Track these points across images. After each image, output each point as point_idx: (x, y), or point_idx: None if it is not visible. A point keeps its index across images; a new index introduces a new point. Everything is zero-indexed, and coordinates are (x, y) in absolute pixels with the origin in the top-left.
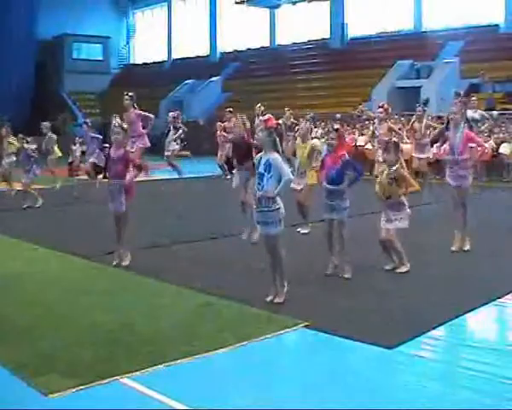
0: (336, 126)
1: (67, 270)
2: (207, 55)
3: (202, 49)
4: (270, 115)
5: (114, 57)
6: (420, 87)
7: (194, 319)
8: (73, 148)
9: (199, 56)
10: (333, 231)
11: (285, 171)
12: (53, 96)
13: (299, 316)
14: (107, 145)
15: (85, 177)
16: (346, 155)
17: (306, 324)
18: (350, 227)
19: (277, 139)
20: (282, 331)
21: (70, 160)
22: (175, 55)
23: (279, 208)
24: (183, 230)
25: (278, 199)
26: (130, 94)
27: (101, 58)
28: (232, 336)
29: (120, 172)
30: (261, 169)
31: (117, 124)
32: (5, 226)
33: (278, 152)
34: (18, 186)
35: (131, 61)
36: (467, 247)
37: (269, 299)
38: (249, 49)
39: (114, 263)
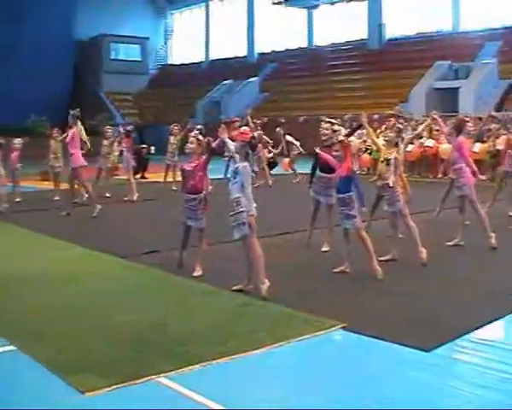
0: (341, 138)
1: (103, 269)
2: (245, 56)
3: (240, 50)
4: (246, 129)
5: (152, 58)
6: (458, 88)
7: (230, 320)
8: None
9: (236, 57)
10: (349, 238)
11: (247, 181)
12: (91, 96)
13: (336, 317)
14: (144, 146)
15: (125, 177)
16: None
17: (343, 325)
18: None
19: (249, 151)
20: (319, 333)
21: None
22: (212, 56)
23: (242, 211)
24: (225, 229)
25: (243, 202)
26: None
27: (138, 59)
28: (269, 337)
29: (197, 184)
30: (230, 175)
31: (193, 134)
32: (42, 225)
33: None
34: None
35: (169, 62)
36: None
37: (236, 288)
38: (287, 49)
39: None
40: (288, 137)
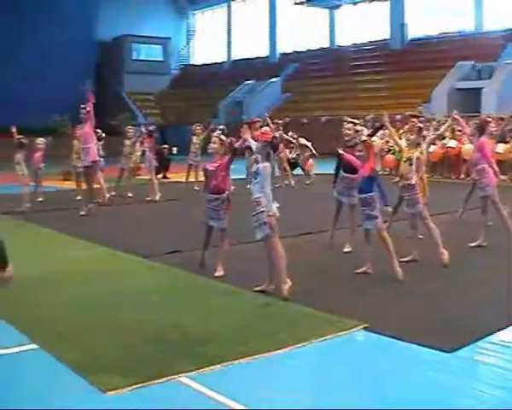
0: (363, 138)
1: (125, 269)
2: (267, 56)
3: (262, 50)
4: (267, 129)
5: (174, 58)
6: (481, 89)
7: (251, 320)
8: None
9: (258, 57)
10: (370, 238)
11: (267, 182)
12: (113, 96)
13: (357, 318)
14: (166, 146)
15: (147, 177)
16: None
17: (365, 325)
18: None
19: (271, 152)
20: (340, 333)
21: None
22: (234, 56)
23: (263, 211)
24: (247, 229)
25: (263, 202)
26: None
27: (160, 59)
28: (290, 337)
29: (220, 184)
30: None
31: (216, 134)
32: (64, 225)
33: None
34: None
35: (191, 62)
36: None
37: (257, 288)
38: (309, 49)
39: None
40: (301, 140)
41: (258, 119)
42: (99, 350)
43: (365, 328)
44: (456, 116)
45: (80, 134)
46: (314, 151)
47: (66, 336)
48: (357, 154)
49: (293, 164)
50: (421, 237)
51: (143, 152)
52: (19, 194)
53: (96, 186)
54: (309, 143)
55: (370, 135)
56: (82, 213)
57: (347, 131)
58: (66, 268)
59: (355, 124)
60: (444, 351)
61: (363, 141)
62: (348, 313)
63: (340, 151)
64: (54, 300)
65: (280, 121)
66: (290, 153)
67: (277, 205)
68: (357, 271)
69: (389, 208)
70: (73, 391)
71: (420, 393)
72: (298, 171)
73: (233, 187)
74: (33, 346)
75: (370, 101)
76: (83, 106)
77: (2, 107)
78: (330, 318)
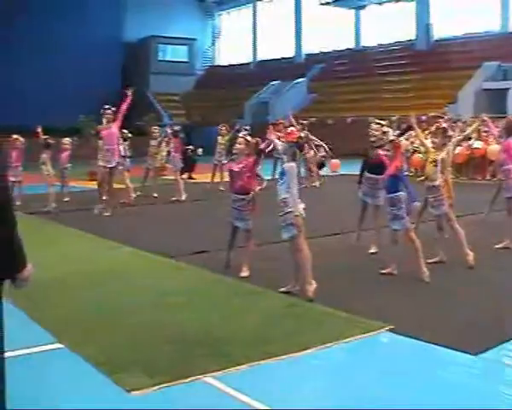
0: (392, 137)
1: (150, 269)
2: (293, 57)
3: (287, 51)
4: (293, 129)
5: (199, 59)
6: (507, 89)
7: (277, 320)
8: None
9: (284, 58)
10: (397, 239)
11: (293, 182)
12: (138, 97)
13: (383, 319)
14: (190, 147)
15: (172, 177)
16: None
17: (390, 327)
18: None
19: (297, 152)
20: (365, 334)
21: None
22: (260, 57)
23: (290, 212)
24: (272, 230)
25: (290, 203)
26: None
27: (186, 60)
28: (315, 338)
29: (246, 185)
30: (278, 176)
31: (241, 135)
32: (90, 225)
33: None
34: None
35: (216, 63)
36: None
37: (283, 289)
38: (334, 50)
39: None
40: (316, 140)
41: (282, 120)
42: (124, 350)
43: (390, 329)
44: (486, 118)
45: (106, 134)
46: (329, 152)
47: (91, 335)
48: (382, 154)
49: (320, 165)
50: (446, 236)
51: (169, 152)
52: (45, 194)
53: (121, 186)
54: (323, 144)
55: (398, 136)
56: (107, 213)
57: (374, 132)
58: (90, 268)
59: (382, 125)
60: (469, 353)
61: (391, 140)
62: (373, 315)
63: (379, 152)
64: (78, 299)
65: (305, 122)
66: (316, 153)
67: (303, 205)
68: (383, 271)
69: (417, 203)
70: (98, 391)
71: (445, 395)
72: (325, 171)
73: (259, 188)
74: (59, 345)
75: (396, 102)
76: (107, 106)
77: (28, 107)
78: (355, 319)
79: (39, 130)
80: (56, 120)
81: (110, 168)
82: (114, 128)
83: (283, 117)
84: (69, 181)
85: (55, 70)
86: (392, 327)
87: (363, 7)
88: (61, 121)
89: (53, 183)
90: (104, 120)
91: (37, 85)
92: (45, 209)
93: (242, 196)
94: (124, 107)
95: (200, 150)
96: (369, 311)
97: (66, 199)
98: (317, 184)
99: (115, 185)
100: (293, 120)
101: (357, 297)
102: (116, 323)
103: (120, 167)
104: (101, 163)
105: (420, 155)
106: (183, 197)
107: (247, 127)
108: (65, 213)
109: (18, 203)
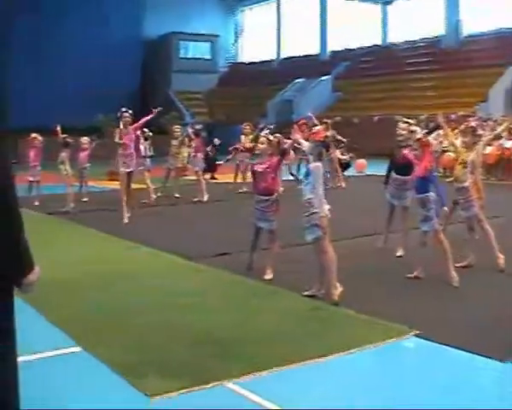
0: (419, 136)
1: (170, 270)
2: (317, 54)
3: (312, 48)
4: (319, 128)
5: (222, 56)
6: None
7: (300, 324)
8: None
9: (308, 55)
10: (426, 241)
11: (319, 182)
12: (160, 95)
13: (409, 324)
14: (208, 148)
15: (194, 177)
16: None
17: (416, 332)
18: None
19: (323, 151)
20: (391, 339)
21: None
22: (284, 54)
23: (315, 213)
24: (297, 231)
25: (315, 203)
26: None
27: (208, 57)
28: (339, 343)
29: (270, 186)
30: (303, 176)
31: (263, 134)
32: (108, 225)
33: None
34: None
35: (239, 60)
36: None
37: (307, 293)
38: (360, 47)
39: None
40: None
41: (304, 119)
42: (143, 353)
43: (416, 335)
44: None
45: (125, 139)
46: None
47: (109, 338)
48: (411, 154)
49: (345, 165)
50: (477, 237)
51: (189, 154)
52: (63, 194)
53: (142, 186)
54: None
55: (426, 135)
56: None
57: (401, 131)
58: (108, 268)
59: (409, 124)
60: (497, 360)
61: (419, 139)
62: (399, 319)
63: (405, 152)
64: (95, 301)
65: (328, 121)
66: (342, 154)
67: (329, 206)
68: (409, 275)
69: (446, 209)
70: (118, 395)
71: (472, 402)
72: (350, 172)
73: (282, 188)
74: (77, 348)
75: (424, 100)
76: (124, 109)
77: (47, 105)
78: (381, 323)
79: (58, 128)
80: (75, 118)
81: (129, 173)
82: (132, 132)
83: (305, 117)
84: (88, 181)
85: (73, 69)
86: (418, 332)
87: (390, 2)
88: (79, 120)
89: (71, 183)
90: (121, 123)
91: (56, 85)
92: (64, 209)
93: (266, 197)
94: (146, 118)
95: (216, 140)
96: (395, 315)
97: (84, 199)
98: (342, 184)
99: (136, 186)
100: (314, 119)
101: (383, 301)
102: (135, 325)
103: (141, 167)
104: (121, 168)
105: (450, 154)
106: (205, 198)
107: (272, 126)
108: (83, 214)
109: (36, 203)
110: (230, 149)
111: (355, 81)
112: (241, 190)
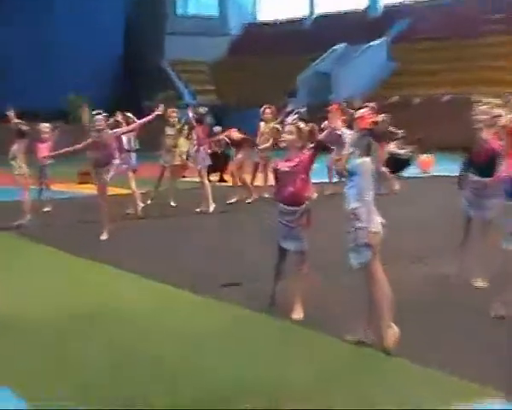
0: (503, 122)
1: (166, 306)
2: (365, 10)
3: (358, 2)
4: (367, 111)
5: (235, 13)
6: None
7: (338, 377)
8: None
9: (353, 11)
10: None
11: (367, 184)
12: (149, 67)
13: (491, 384)
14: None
15: (197, 179)
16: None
17: (501, 394)
18: None
19: (372, 143)
20: (462, 404)
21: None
22: (319, 10)
23: (361, 228)
24: (336, 253)
25: (362, 215)
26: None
27: (216, 14)
28: (391, 404)
29: (299, 191)
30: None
31: (291, 121)
32: (79, 245)
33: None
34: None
35: (258, 19)
36: None
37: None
38: (423, 0)
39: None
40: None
41: (337, 102)
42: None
43: (501, 398)
44: None
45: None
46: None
47: (100, 393)
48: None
49: (402, 162)
50: None
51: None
52: (16, 201)
53: (126, 191)
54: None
55: None
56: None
57: (481, 116)
58: (83, 306)
59: (492, 105)
60: None
61: (504, 126)
62: (475, 376)
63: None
64: (82, 349)
65: (371, 104)
66: (398, 147)
67: (381, 219)
68: (493, 315)
69: None
70: None
71: None
72: (411, 171)
73: (316, 194)
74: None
75: (506, 72)
76: (95, 112)
77: None
78: (449, 380)
79: (10, 113)
80: (38, 101)
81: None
82: (112, 139)
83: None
84: (51, 184)
85: (36, 33)
86: (503, 395)
87: None
88: (43, 102)
89: (28, 186)
90: (94, 133)
91: (7, 51)
92: (17, 223)
93: (293, 208)
94: (144, 120)
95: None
96: (473, 371)
97: (46, 209)
98: (396, 187)
99: (116, 191)
100: (344, 104)
101: (456, 350)
102: (127, 376)
103: (124, 166)
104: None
105: None
106: (212, 208)
107: (302, 110)
108: (45, 229)
109: None
110: (212, 139)
111: (416, 47)
112: (255, 197)
